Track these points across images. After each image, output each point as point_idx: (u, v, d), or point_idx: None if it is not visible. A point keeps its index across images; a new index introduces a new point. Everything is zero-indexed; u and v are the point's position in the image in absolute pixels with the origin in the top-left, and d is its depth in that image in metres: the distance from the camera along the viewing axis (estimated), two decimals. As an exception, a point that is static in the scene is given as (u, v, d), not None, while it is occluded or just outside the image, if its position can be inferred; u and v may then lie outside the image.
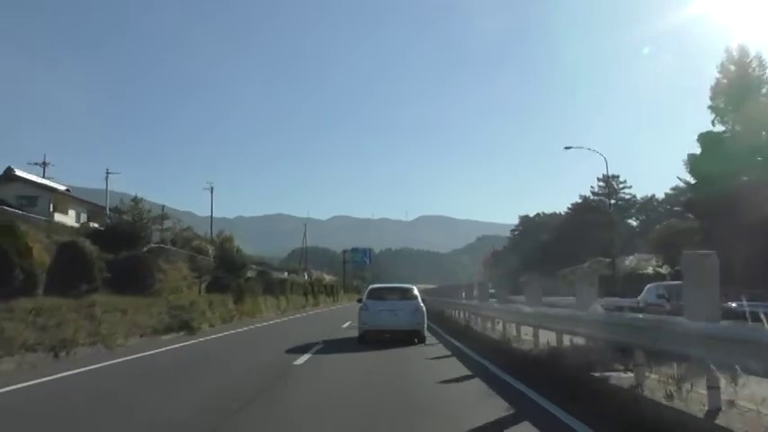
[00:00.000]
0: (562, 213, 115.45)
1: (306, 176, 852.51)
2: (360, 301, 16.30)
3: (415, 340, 14.79)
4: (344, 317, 29.01)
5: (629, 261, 50.93)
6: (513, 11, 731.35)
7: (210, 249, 42.99)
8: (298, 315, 34.43)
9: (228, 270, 36.63)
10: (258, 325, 23.79)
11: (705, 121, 39.70)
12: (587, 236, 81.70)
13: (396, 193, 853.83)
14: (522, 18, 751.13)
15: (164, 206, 63.12)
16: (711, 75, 38.61)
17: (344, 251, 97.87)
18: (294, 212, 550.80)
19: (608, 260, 65.90)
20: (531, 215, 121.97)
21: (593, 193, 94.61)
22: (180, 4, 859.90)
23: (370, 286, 17.91)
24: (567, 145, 42.74)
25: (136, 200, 33.32)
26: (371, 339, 14.82)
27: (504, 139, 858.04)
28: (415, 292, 16.24)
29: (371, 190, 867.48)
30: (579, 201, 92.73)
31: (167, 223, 37.71)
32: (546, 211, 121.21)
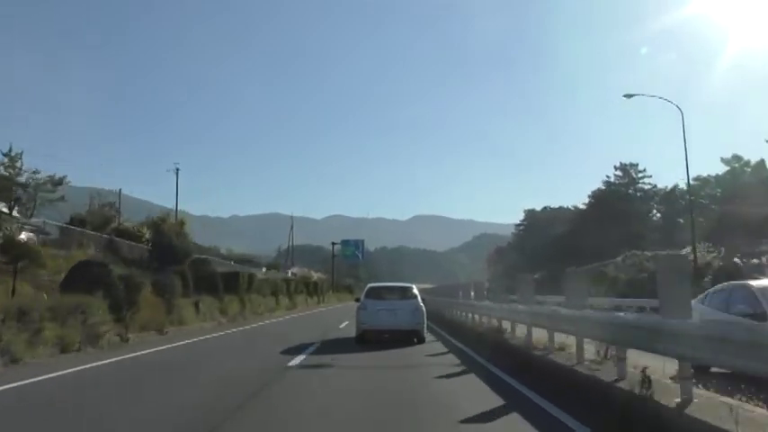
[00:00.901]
0: (571, 208, 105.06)
1: (301, 176, 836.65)
2: (358, 300, 15.90)
3: (415, 340, 14.33)
4: (316, 330, 18.37)
5: (686, 252, 39.79)
6: (513, 11, 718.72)
7: (147, 234, 31.74)
8: (253, 325, 23.12)
9: (165, 259, 25.84)
10: (132, 355, 12.30)
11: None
12: (610, 228, 71.18)
13: (392, 192, 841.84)
14: (522, 18, 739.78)
15: (120, 189, 51.53)
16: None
17: (333, 243, 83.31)
18: (290, 212, 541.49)
19: (647, 254, 55.81)
20: (538, 209, 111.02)
21: (608, 183, 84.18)
22: (180, 4, 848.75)
23: (369, 285, 17.05)
24: (630, 93, 31.30)
25: (10, 155, 22.03)
26: (370, 339, 14.40)
27: (501, 139, 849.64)
28: (415, 291, 15.73)
29: (367, 190, 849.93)
30: (601, 188, 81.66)
31: (65, 193, 26.07)
32: (552, 206, 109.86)
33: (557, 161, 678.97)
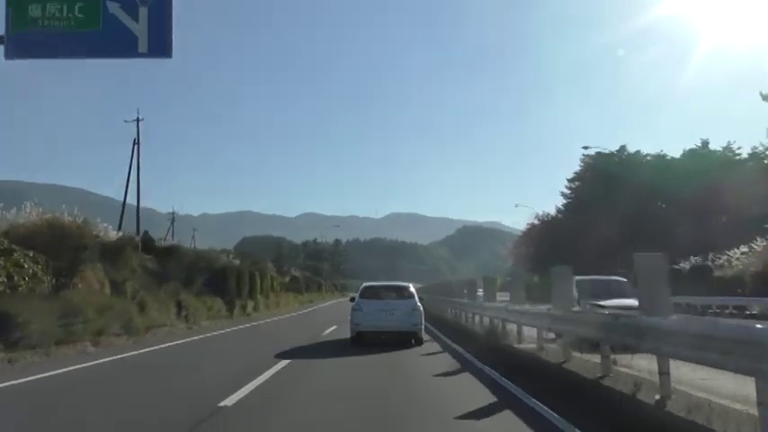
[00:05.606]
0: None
1: (275, 175, 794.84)
2: (352, 299, 14.40)
3: (412, 341, 13.18)
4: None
5: None
6: (500, 15, 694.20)
7: None
8: None
9: None
10: None
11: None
12: None
13: (366, 190, 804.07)
14: (506, 21, 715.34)
15: None
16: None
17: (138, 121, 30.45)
18: (262, 210, 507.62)
19: None
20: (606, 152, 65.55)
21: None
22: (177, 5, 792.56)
23: (364, 284, 15.34)
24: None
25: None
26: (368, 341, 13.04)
27: (478, 139, 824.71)
28: (412, 290, 14.53)
29: (340, 188, 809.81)
30: None
31: None
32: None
33: (531, 161, 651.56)
